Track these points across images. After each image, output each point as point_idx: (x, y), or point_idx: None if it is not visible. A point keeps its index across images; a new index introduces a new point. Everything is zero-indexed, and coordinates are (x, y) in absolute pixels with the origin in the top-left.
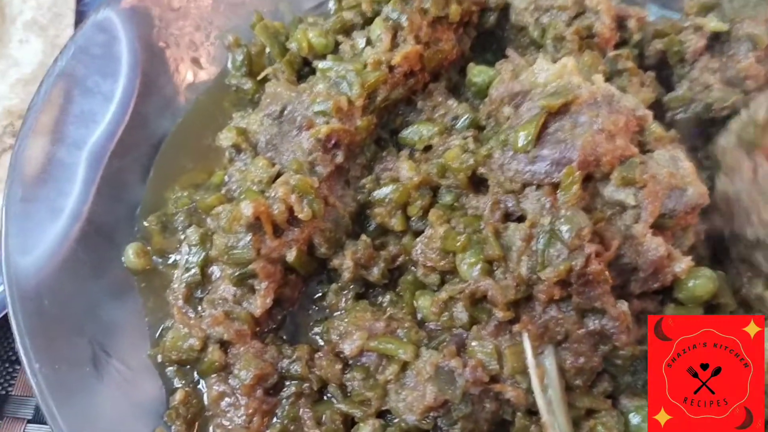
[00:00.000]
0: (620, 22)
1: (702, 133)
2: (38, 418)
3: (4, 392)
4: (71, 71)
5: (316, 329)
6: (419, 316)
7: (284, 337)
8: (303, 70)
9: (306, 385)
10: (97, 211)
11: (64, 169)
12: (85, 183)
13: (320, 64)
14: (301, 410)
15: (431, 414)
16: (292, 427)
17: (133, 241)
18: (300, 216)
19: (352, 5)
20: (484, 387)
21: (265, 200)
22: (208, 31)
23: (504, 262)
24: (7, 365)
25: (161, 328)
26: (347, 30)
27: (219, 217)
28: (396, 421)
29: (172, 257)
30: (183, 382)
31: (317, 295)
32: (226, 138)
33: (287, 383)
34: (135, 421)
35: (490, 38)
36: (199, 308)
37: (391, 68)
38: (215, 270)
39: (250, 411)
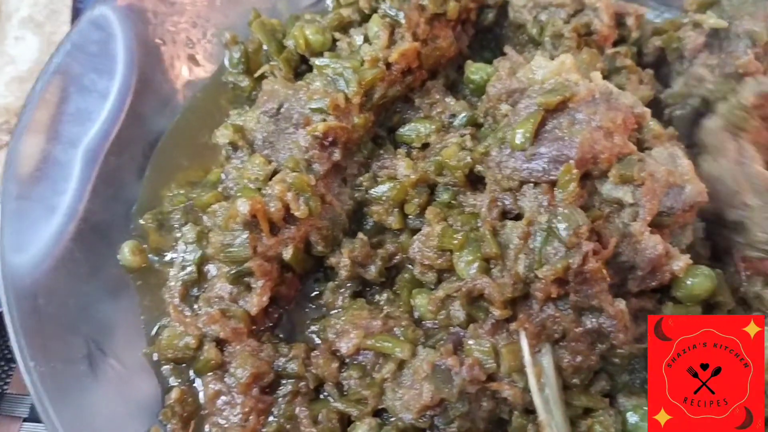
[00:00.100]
0: (619, 20)
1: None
2: (34, 417)
3: None
4: (67, 68)
5: (313, 327)
6: (416, 314)
7: (281, 336)
8: (300, 68)
9: (302, 383)
10: (92, 209)
11: (60, 167)
12: (80, 181)
13: (317, 62)
14: (298, 409)
15: (428, 413)
16: (288, 426)
17: (129, 239)
18: (296, 214)
19: (349, 2)
20: (481, 386)
21: (261, 198)
22: (204, 29)
23: (501, 260)
24: (2, 363)
25: (157, 326)
26: (344, 27)
27: (215, 214)
28: (393, 419)
29: (168, 255)
30: (179, 380)
31: (314, 294)
32: (222, 135)
33: (283, 382)
34: (130, 419)
35: (489, 36)
36: (195, 306)
37: (388, 65)
38: (211, 268)
39: (246, 410)
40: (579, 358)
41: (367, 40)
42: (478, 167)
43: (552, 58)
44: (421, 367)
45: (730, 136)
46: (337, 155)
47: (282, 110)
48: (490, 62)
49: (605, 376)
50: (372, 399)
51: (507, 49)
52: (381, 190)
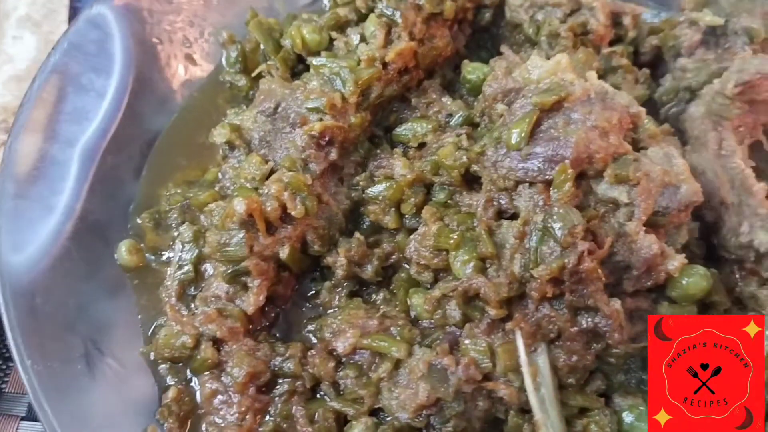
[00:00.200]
0: (615, 19)
1: None
2: (32, 416)
3: None
4: (64, 67)
5: (309, 327)
6: (412, 313)
7: (277, 335)
8: (297, 67)
9: (299, 383)
10: (89, 209)
11: (57, 167)
12: (77, 180)
13: (314, 61)
14: (294, 408)
15: (424, 412)
16: (284, 425)
17: (126, 239)
18: (293, 213)
19: (346, 1)
20: (476, 385)
21: (258, 197)
22: (202, 28)
23: (497, 259)
24: (0, 362)
25: (154, 325)
26: (341, 26)
27: (212, 214)
28: (389, 419)
29: (165, 254)
30: (176, 379)
31: (310, 293)
32: (219, 135)
33: (280, 381)
34: (127, 418)
35: (485, 35)
36: (192, 306)
37: (385, 65)
38: (208, 267)
39: (243, 409)
40: (575, 358)
41: (363, 39)
42: (474, 167)
43: (548, 57)
44: (417, 366)
45: (711, 125)
46: (333, 155)
47: (279, 110)
48: (486, 62)
49: (601, 375)
50: (368, 398)
51: (503, 48)
52: (377, 189)
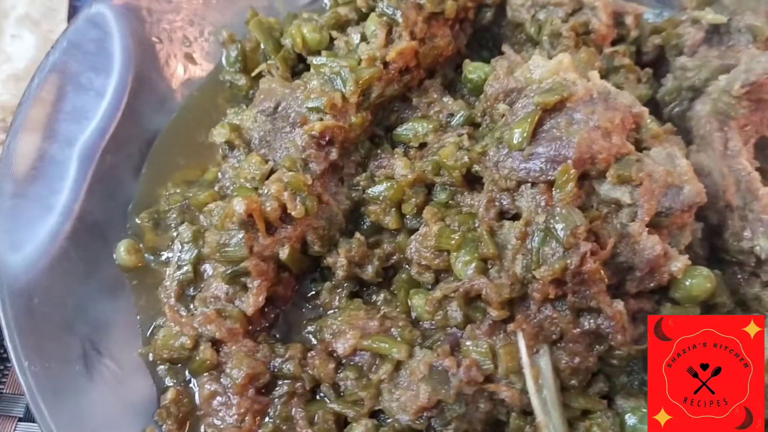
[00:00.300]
0: (617, 19)
1: None
2: (29, 417)
3: None
4: (63, 66)
5: (309, 328)
6: (413, 314)
7: (277, 336)
8: (297, 67)
9: (298, 384)
10: (88, 208)
11: (56, 166)
12: (76, 180)
13: (314, 60)
14: (294, 410)
15: (425, 414)
16: (284, 427)
17: (124, 239)
18: (293, 213)
19: (347, 1)
20: (478, 387)
21: (257, 197)
22: (201, 27)
23: (499, 260)
24: None
25: (153, 326)
26: (342, 26)
27: (212, 214)
28: (389, 421)
29: (165, 255)
30: (174, 380)
31: (310, 294)
32: (219, 134)
33: (280, 382)
34: (125, 420)
35: (487, 35)
36: (191, 306)
37: (385, 64)
38: (207, 268)
39: (242, 410)
40: (577, 360)
41: (364, 38)
42: (476, 167)
43: (550, 57)
44: (418, 368)
45: (717, 124)
46: (334, 155)
47: (279, 109)
48: (488, 61)
49: (603, 377)
50: (368, 400)
51: (505, 48)
52: (378, 189)
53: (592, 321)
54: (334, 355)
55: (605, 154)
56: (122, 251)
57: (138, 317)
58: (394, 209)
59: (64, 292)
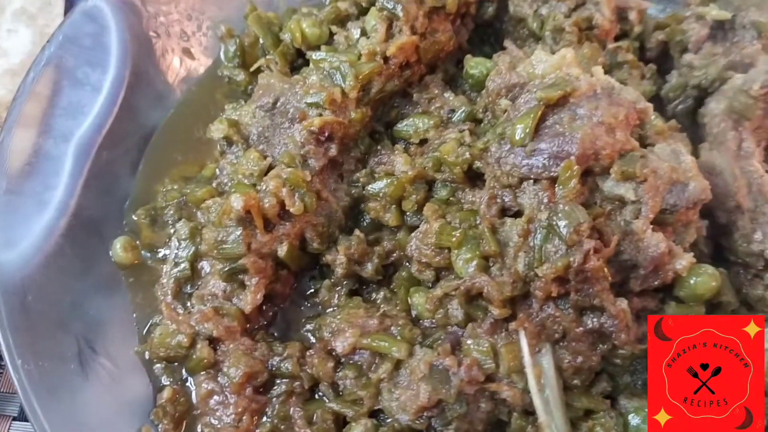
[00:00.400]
0: (620, 14)
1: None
2: (24, 416)
3: None
4: (59, 61)
5: (308, 326)
6: (413, 313)
7: (275, 334)
8: (297, 62)
9: (297, 383)
10: (84, 205)
11: (51, 162)
12: (72, 176)
13: (314, 55)
14: (292, 409)
15: (425, 414)
16: (282, 427)
17: (121, 235)
18: (291, 210)
19: None
20: (479, 386)
21: (255, 194)
22: (200, 21)
23: (500, 258)
24: None
25: (149, 324)
26: (342, 20)
27: (209, 210)
28: (389, 420)
29: (161, 252)
30: (171, 379)
31: (309, 292)
32: (217, 130)
33: (278, 381)
34: (121, 419)
35: (488, 30)
36: (188, 304)
37: (386, 59)
38: (205, 265)
39: (240, 410)
40: (580, 359)
41: (364, 33)
42: (477, 163)
43: (553, 52)
44: (418, 367)
45: (732, 124)
46: (333, 151)
47: (278, 105)
48: (489, 57)
49: (606, 377)
50: (368, 399)
51: (507, 43)
52: (378, 186)
53: (595, 320)
54: (333, 353)
55: (609, 150)
56: (118, 248)
57: (134, 315)
58: (394, 206)
59: (59, 290)
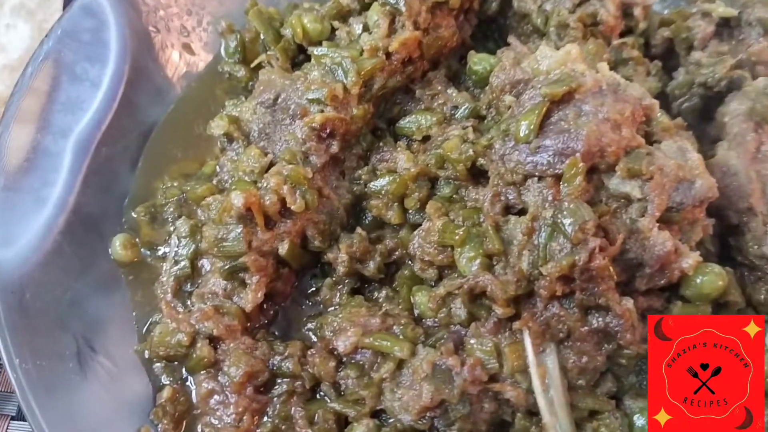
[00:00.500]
0: (625, 10)
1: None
2: (22, 416)
3: None
4: (57, 56)
5: (309, 325)
6: (416, 312)
7: (276, 333)
8: (298, 57)
9: (298, 383)
10: (83, 202)
11: (49, 158)
12: (71, 172)
13: (315, 51)
14: (293, 409)
15: (428, 414)
16: (283, 427)
17: (120, 233)
18: (293, 207)
19: None
20: (482, 386)
21: (256, 191)
22: (200, 17)
23: (504, 256)
24: None
25: (149, 322)
26: (344, 16)
27: (209, 208)
28: (391, 421)
29: (161, 249)
30: (171, 378)
31: (311, 290)
32: (217, 126)
33: (279, 381)
34: (120, 419)
35: (492, 25)
36: (188, 302)
37: (388, 55)
38: (205, 263)
39: (240, 409)
40: (585, 359)
41: (366, 29)
42: (481, 160)
43: (557, 48)
44: (421, 366)
45: (753, 125)
46: (335, 147)
47: (279, 101)
48: (493, 53)
49: (611, 377)
50: (370, 399)
51: (511, 39)
52: (380, 183)
53: (600, 319)
54: (335, 353)
55: (615, 147)
56: (118, 246)
57: (133, 313)
58: (396, 204)
59: (58, 288)
